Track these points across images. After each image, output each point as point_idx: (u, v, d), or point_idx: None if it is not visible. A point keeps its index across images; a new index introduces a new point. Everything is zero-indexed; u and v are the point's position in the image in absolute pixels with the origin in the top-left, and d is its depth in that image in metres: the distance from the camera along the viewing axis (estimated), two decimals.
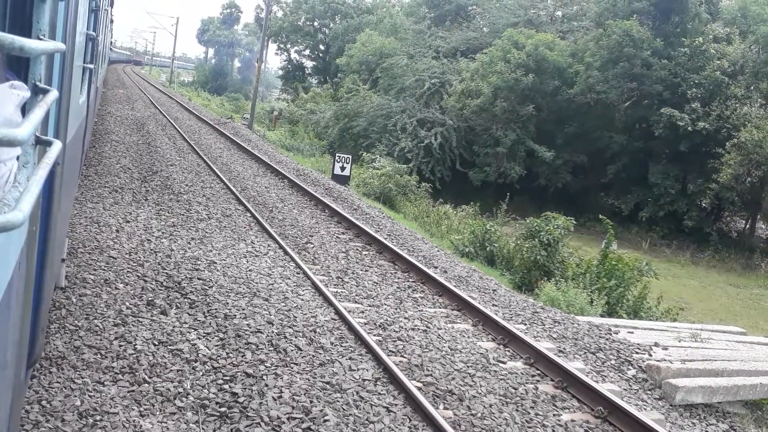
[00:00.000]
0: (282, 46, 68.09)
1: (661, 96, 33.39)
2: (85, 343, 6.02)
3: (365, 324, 7.88)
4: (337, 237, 12.59)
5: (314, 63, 67.88)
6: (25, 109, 1.81)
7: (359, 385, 6.15)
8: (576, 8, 44.24)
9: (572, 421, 6.31)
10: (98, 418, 4.87)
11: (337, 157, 22.94)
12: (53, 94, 1.96)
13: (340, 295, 8.95)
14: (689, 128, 30.95)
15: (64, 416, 4.81)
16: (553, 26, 42.76)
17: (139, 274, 8.15)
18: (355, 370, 6.46)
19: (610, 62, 34.13)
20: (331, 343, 7.05)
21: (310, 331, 7.29)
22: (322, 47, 65.61)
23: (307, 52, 68.19)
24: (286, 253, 10.64)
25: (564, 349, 8.42)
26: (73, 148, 5.78)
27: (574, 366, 7.48)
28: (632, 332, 9.82)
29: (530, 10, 44.02)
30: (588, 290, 12.95)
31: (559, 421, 6.24)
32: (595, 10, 38.99)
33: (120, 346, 6.09)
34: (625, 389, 7.71)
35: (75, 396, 5.11)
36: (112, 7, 15.45)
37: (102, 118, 24.73)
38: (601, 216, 18.25)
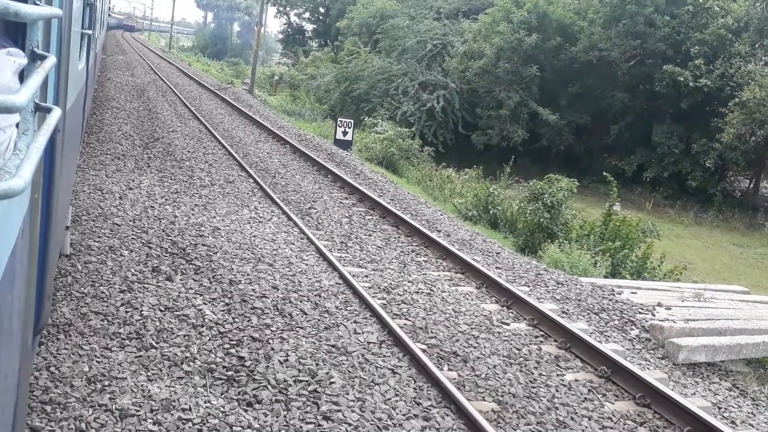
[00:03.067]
0: (281, 9, 67.33)
1: (664, 54, 33.08)
2: (92, 309, 6.06)
3: (369, 288, 7.92)
4: (341, 202, 12.59)
5: (314, 26, 67.20)
6: (23, 76, 1.79)
7: (364, 348, 6.20)
8: None
9: (576, 380, 6.37)
10: (106, 383, 4.93)
11: (339, 122, 22.80)
12: (51, 60, 1.95)
13: (344, 260, 8.98)
14: (690, 84, 30.68)
15: (73, 382, 4.87)
16: None
17: (144, 241, 8.17)
18: (360, 334, 6.51)
19: (613, 20, 33.76)
20: (336, 307, 7.10)
21: (315, 295, 7.34)
22: (322, 10, 64.87)
23: (306, 14, 67.46)
24: (289, 218, 10.65)
25: (567, 310, 8.47)
26: (74, 115, 5.76)
27: (578, 326, 7.53)
28: (635, 292, 9.86)
29: None
30: (591, 252, 12.97)
31: (562, 381, 6.30)
32: None
33: (126, 312, 6.13)
34: (628, 349, 7.77)
35: (83, 362, 5.16)
36: None
37: (102, 84, 24.59)
38: (605, 173, 18.17)
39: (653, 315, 8.80)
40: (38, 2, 2.05)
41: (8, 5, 1.31)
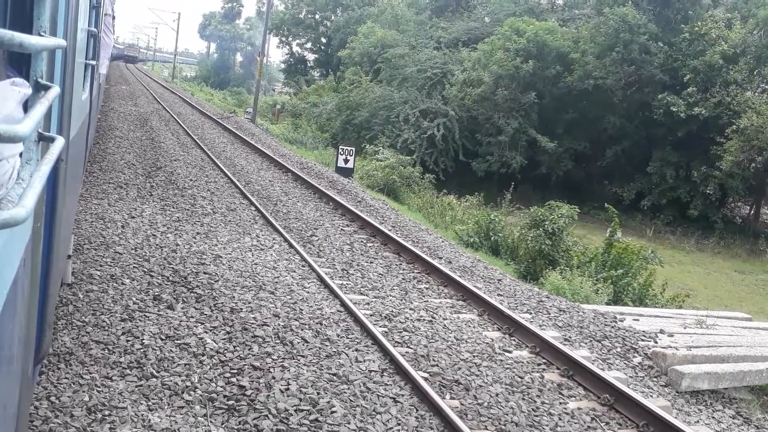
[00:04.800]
0: (284, 39, 68.02)
1: (662, 82, 33.29)
2: (93, 338, 6.04)
3: (371, 315, 7.90)
4: (342, 229, 12.60)
5: (316, 56, 67.83)
6: (27, 106, 1.81)
7: (366, 377, 6.17)
8: None
9: (579, 409, 6.33)
10: (107, 413, 4.90)
11: (340, 150, 22.90)
12: (55, 90, 1.97)
13: (346, 287, 8.96)
14: (682, 115, 30.87)
15: (73, 412, 4.84)
16: (554, 14, 42.62)
17: (145, 269, 8.17)
18: (361, 362, 6.48)
19: (608, 48, 34.06)
20: (338, 335, 7.07)
21: (316, 323, 7.31)
22: (323, 40, 65.51)
23: (308, 44, 68.13)
24: (291, 246, 10.66)
25: (569, 337, 8.43)
26: (77, 144, 5.79)
27: (580, 354, 7.49)
28: (638, 320, 9.82)
29: None
30: (593, 279, 12.94)
31: (565, 409, 6.26)
32: None
33: (127, 341, 6.11)
34: (631, 377, 7.72)
35: (84, 391, 5.14)
36: (113, 4, 15.45)
37: (105, 114, 24.75)
38: (606, 205, 18.22)
39: (656, 342, 8.76)
40: (42, 33, 2.08)
41: (13, 36, 1.33)
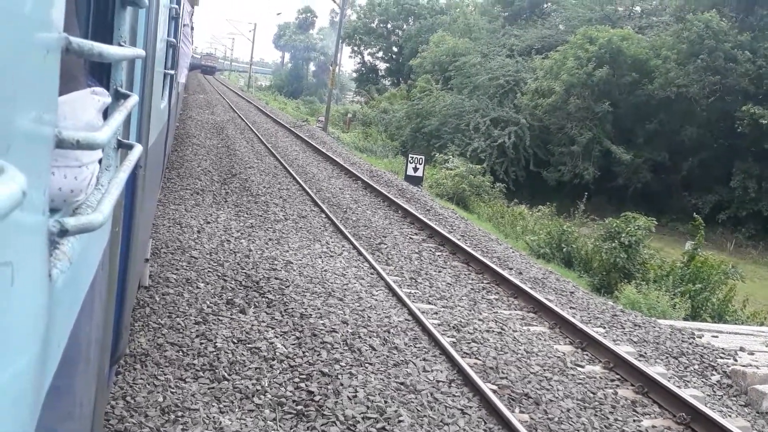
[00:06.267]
0: (356, 48, 68.71)
1: (746, 91, 32.07)
2: (168, 340, 6.20)
3: (439, 325, 7.85)
4: (410, 238, 12.58)
5: (388, 65, 68.21)
6: (108, 114, 1.86)
7: (433, 387, 6.13)
8: (655, 2, 42.96)
9: (653, 427, 6.13)
10: (180, 414, 5.01)
11: (409, 158, 22.89)
12: (134, 98, 2.02)
13: (414, 296, 8.94)
14: None
15: (147, 412, 4.96)
16: (631, 21, 41.65)
17: (219, 274, 8.34)
18: (429, 372, 6.44)
19: (691, 55, 32.99)
20: (405, 344, 7.05)
21: (384, 331, 7.31)
22: (395, 49, 65.83)
23: (380, 54, 68.59)
24: (360, 253, 10.70)
25: (645, 353, 8.18)
26: (155, 151, 5.95)
27: (656, 371, 7.26)
28: (716, 336, 9.46)
29: (607, 6, 42.92)
30: (670, 293, 12.54)
31: (639, 426, 6.07)
32: (675, 4, 37.76)
33: (201, 343, 6.24)
34: (708, 395, 7.43)
35: (158, 392, 5.26)
36: (192, 15, 15.88)
37: (183, 122, 25.45)
38: (695, 215, 17.65)
39: (735, 360, 8.41)
40: (122, 43, 2.14)
41: (93, 46, 1.36)
